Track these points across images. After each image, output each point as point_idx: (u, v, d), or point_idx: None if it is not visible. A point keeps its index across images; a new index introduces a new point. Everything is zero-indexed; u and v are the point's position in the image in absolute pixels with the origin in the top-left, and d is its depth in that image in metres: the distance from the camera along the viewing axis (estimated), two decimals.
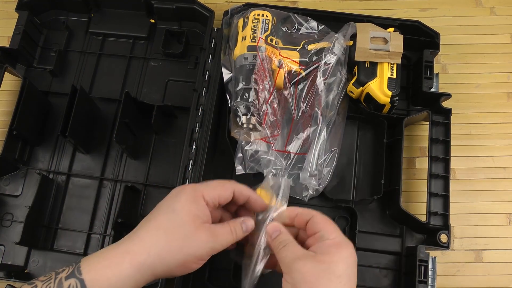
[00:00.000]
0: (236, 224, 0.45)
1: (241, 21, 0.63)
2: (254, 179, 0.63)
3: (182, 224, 0.40)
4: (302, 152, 0.60)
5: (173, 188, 0.60)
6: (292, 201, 0.61)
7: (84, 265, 0.39)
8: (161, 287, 0.55)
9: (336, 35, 0.62)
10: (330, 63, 0.60)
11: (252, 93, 0.58)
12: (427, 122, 0.62)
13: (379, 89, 0.59)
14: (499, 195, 0.64)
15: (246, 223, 0.45)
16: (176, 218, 0.41)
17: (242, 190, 0.47)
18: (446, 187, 0.59)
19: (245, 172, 0.61)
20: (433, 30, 0.64)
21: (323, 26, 0.64)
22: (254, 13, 0.62)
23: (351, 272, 0.41)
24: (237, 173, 0.61)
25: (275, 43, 0.61)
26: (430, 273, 0.56)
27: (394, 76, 0.59)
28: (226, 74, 0.62)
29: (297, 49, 0.62)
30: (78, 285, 0.37)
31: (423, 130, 0.66)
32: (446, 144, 0.61)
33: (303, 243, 0.45)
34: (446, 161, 0.60)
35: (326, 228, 0.43)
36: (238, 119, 0.59)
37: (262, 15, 0.62)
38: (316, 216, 0.44)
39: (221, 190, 0.45)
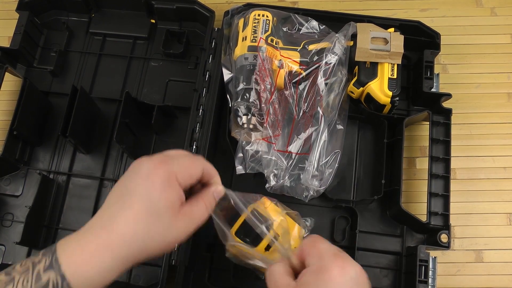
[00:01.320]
0: (209, 197, 0.43)
1: (241, 21, 0.63)
2: (254, 179, 0.63)
3: (161, 215, 0.38)
4: (304, 152, 0.60)
5: None
6: (293, 201, 0.61)
7: (63, 256, 0.36)
8: (161, 287, 0.56)
9: (336, 35, 0.62)
10: (331, 63, 0.60)
11: (252, 93, 0.58)
12: (428, 122, 0.62)
13: (380, 89, 0.59)
14: (499, 195, 0.64)
15: (217, 191, 0.43)
16: (154, 208, 0.38)
17: (210, 169, 0.44)
18: (447, 187, 0.59)
19: (245, 172, 0.61)
20: (434, 30, 0.64)
21: (323, 26, 0.64)
22: (254, 13, 0.62)
23: None
24: (237, 173, 0.61)
25: (276, 44, 0.61)
26: (430, 273, 0.56)
27: (395, 76, 0.59)
28: (227, 74, 0.62)
29: (298, 49, 0.62)
30: (59, 281, 0.35)
31: (424, 130, 0.67)
32: (446, 144, 0.61)
33: None
34: (446, 161, 0.60)
35: (308, 253, 0.38)
36: (238, 119, 0.59)
37: (263, 15, 0.62)
38: (303, 244, 0.40)
39: (193, 169, 0.42)
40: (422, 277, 0.55)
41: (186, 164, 0.41)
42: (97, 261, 0.36)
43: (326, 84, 0.61)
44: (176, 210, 0.39)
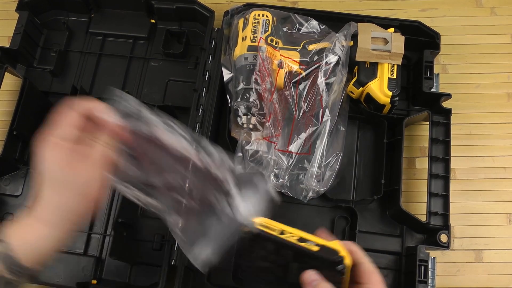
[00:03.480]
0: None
1: (241, 21, 0.63)
2: None
3: (60, 170, 0.39)
4: (304, 152, 0.60)
5: None
6: (292, 201, 0.61)
7: (6, 230, 0.40)
8: (161, 287, 0.56)
9: (336, 35, 0.62)
10: (331, 63, 0.60)
11: (252, 93, 0.58)
12: (427, 122, 0.62)
13: (379, 89, 0.59)
14: (499, 195, 0.64)
15: (96, 107, 0.41)
16: (52, 172, 0.39)
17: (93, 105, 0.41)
18: (446, 187, 0.59)
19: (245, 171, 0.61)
20: (433, 30, 0.64)
21: (324, 26, 0.64)
22: (254, 13, 0.62)
23: None
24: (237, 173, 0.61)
25: (276, 43, 0.61)
26: (430, 273, 0.56)
27: (394, 77, 0.59)
28: (226, 74, 0.62)
29: (298, 49, 0.62)
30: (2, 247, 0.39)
31: (423, 130, 0.66)
32: (446, 144, 0.61)
33: None
34: (446, 161, 0.60)
35: (372, 281, 0.42)
36: (238, 119, 0.59)
37: (263, 15, 0.62)
38: (365, 264, 0.43)
39: (69, 119, 0.40)
40: (422, 277, 0.55)
41: (61, 121, 0.40)
42: (33, 232, 0.41)
43: (326, 84, 0.60)
44: (68, 162, 0.39)
